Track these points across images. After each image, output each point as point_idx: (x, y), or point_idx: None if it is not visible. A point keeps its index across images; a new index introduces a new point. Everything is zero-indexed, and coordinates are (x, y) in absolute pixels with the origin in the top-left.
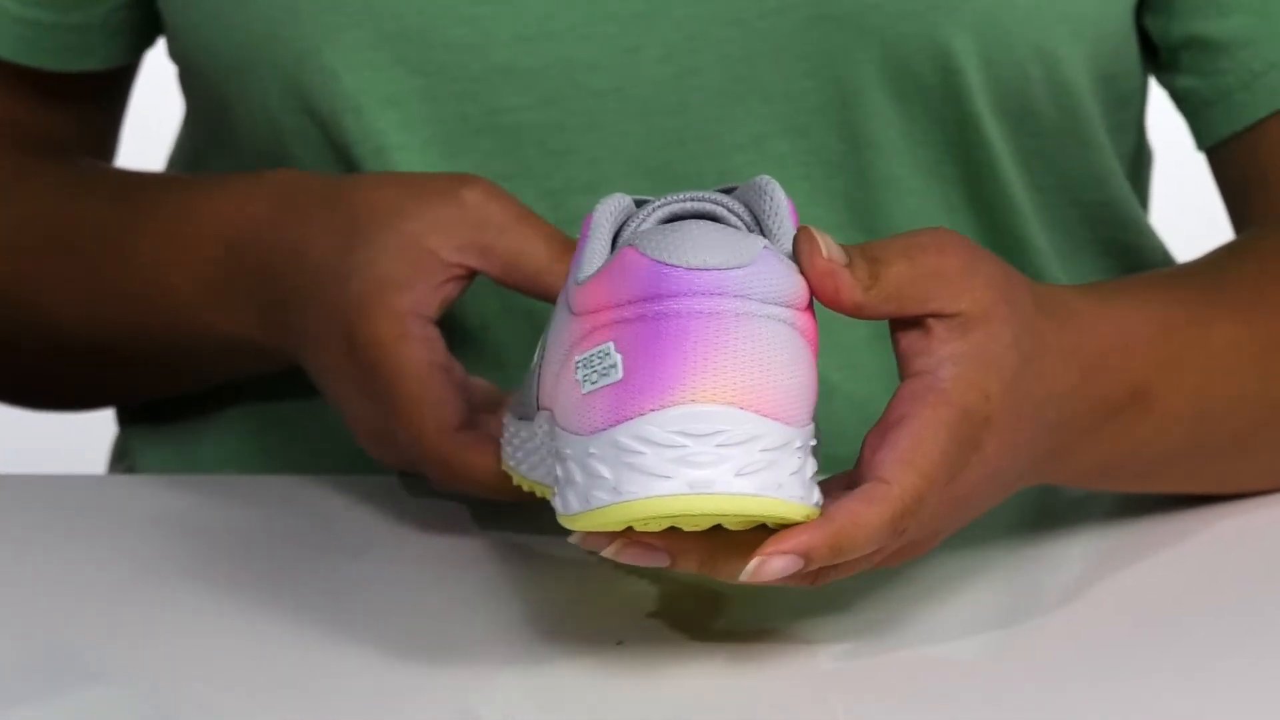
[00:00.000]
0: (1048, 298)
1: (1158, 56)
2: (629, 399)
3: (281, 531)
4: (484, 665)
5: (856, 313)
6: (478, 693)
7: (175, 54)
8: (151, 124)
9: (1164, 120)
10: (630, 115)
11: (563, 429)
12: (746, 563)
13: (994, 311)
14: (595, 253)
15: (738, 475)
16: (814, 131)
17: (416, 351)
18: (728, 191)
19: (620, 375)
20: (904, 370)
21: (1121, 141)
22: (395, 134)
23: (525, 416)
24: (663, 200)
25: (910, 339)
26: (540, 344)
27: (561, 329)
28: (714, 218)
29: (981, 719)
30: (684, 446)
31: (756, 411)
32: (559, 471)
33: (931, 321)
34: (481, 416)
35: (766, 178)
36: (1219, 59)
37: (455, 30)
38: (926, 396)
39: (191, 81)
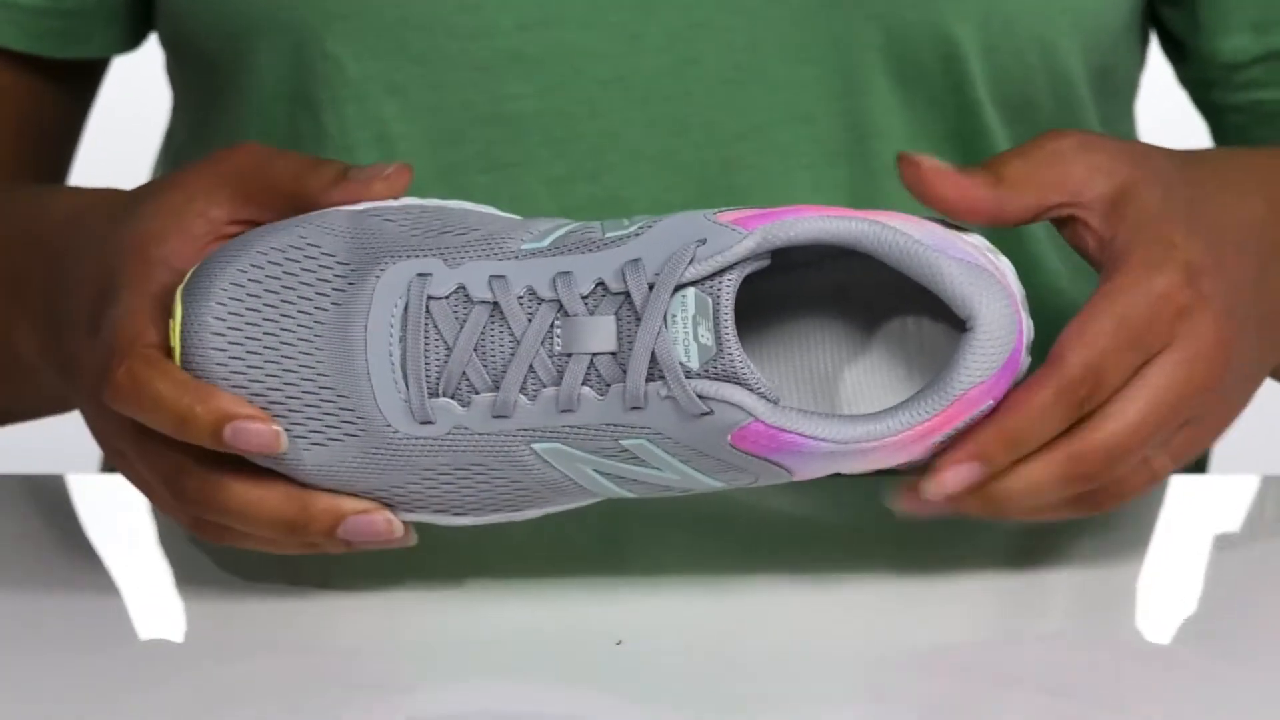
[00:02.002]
0: (1185, 152)
1: (1199, 70)
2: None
3: None
4: (483, 664)
5: (998, 213)
6: (477, 691)
7: (167, 39)
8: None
9: (1159, 120)
10: (632, 103)
11: None
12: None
13: (1133, 174)
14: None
15: None
16: (818, 119)
17: (159, 277)
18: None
19: None
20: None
21: (1110, 133)
22: (397, 122)
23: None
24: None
25: (1080, 243)
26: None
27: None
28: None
29: None
30: None
31: None
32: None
33: (1082, 214)
34: None
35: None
36: None
37: (458, 18)
38: (1102, 278)
39: (183, 67)
